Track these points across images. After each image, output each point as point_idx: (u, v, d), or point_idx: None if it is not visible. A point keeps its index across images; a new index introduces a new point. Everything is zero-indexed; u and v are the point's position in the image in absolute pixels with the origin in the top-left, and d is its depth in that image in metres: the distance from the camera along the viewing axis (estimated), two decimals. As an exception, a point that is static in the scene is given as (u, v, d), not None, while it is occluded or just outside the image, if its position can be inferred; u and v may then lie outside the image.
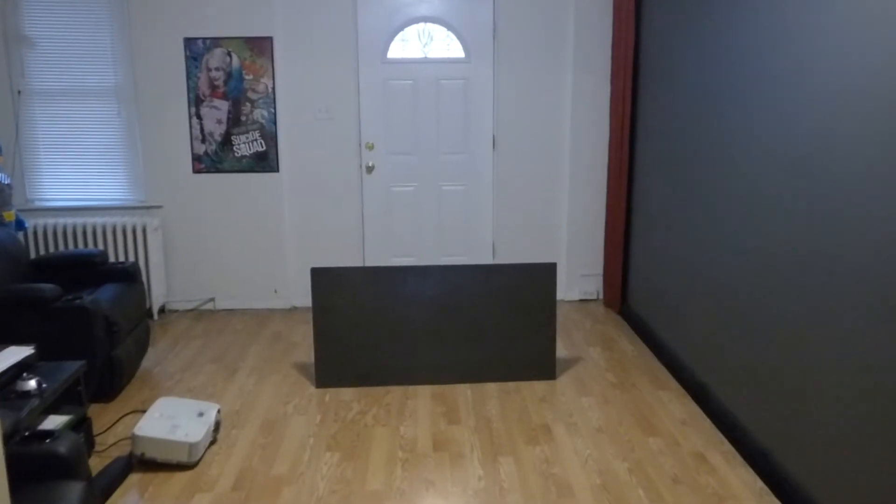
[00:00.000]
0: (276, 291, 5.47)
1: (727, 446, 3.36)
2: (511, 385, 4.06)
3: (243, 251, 5.41)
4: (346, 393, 3.96)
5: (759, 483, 3.05)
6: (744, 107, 3.34)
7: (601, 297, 5.62)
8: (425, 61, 5.32)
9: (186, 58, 5.13)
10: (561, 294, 5.63)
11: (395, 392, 3.98)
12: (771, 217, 3.06)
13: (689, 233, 4.02)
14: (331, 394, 3.95)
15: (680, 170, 4.18)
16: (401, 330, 4.03)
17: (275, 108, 5.22)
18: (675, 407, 3.77)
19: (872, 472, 2.39)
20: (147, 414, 3.32)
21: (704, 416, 3.66)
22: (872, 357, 2.38)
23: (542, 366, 4.11)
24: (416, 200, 5.52)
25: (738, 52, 3.41)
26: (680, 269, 4.17)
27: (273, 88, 5.19)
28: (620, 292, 5.33)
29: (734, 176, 3.43)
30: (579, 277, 5.60)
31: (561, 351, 4.57)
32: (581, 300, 5.64)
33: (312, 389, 4.01)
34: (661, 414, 3.69)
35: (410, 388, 4.03)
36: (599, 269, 5.59)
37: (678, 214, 4.20)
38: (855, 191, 2.47)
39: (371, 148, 5.41)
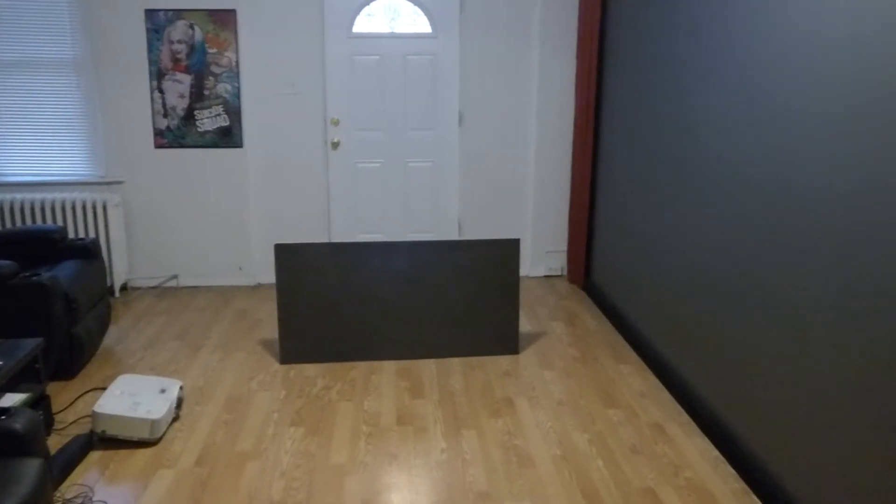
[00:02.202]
0: (240, 268, 5.44)
1: (685, 417, 3.43)
2: (475, 360, 4.10)
3: (207, 228, 5.36)
4: (311, 369, 3.97)
5: (715, 452, 3.13)
6: (707, 83, 3.37)
7: (566, 273, 5.67)
8: (392, 36, 5.28)
9: (147, 30, 5.04)
10: (526, 270, 5.67)
11: (360, 367, 3.99)
12: (731, 193, 3.11)
13: (650, 209, 4.07)
14: (295, 370, 3.95)
15: (644, 147, 4.22)
16: (366, 306, 4.04)
17: (239, 83, 5.15)
18: (635, 380, 3.83)
19: (821, 439, 2.46)
20: (107, 391, 3.29)
21: (663, 388, 3.73)
22: (823, 331, 2.44)
23: (506, 341, 4.15)
24: (383, 177, 5.51)
25: (702, 29, 3.44)
26: (642, 245, 4.22)
27: (237, 62, 5.12)
28: (584, 268, 5.39)
29: (697, 153, 3.48)
30: (544, 254, 5.64)
31: (525, 326, 4.61)
32: (546, 276, 5.69)
33: (277, 366, 4.01)
34: (622, 387, 3.75)
35: (375, 363, 4.05)
36: (564, 246, 5.63)
37: (641, 191, 4.24)
38: (812, 167, 2.51)
39: (336, 124, 5.37)
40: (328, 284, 3.99)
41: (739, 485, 2.89)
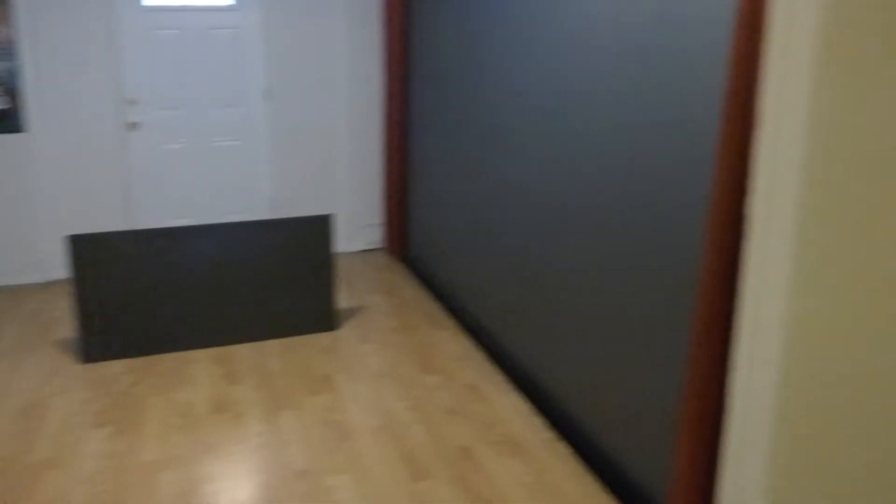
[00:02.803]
0: (32, 265, 5.00)
1: (499, 376, 3.58)
2: (294, 340, 4.04)
3: (-10, 223, 4.88)
4: (117, 365, 3.74)
5: (527, 406, 3.29)
6: (504, 56, 3.48)
7: (383, 245, 5.71)
8: (190, 9, 5.02)
9: None
10: (344, 245, 5.64)
11: (172, 359, 3.81)
12: (531, 165, 3.25)
13: (460, 180, 4.17)
14: (99, 368, 3.71)
15: (450, 117, 4.30)
16: (174, 294, 3.85)
17: (18, 60, 4.69)
18: (452, 345, 3.94)
19: (618, 390, 2.65)
20: None
21: (479, 350, 3.87)
22: (617, 296, 2.62)
23: (324, 318, 4.12)
24: (188, 158, 5.26)
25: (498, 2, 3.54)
26: (454, 215, 4.33)
27: (14, 37, 4.66)
28: (401, 240, 5.44)
29: (497, 125, 3.59)
30: (362, 228, 5.64)
31: (343, 302, 4.60)
32: (365, 250, 5.70)
33: (78, 366, 3.74)
34: (439, 352, 3.85)
35: (188, 353, 3.88)
36: (381, 219, 5.66)
37: (450, 162, 4.34)
38: (598, 144, 2.68)
39: (134, 103, 5.05)
40: (131, 274, 3.76)
41: (549, 434, 3.06)
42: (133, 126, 5.08)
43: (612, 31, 2.49)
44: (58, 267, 5.10)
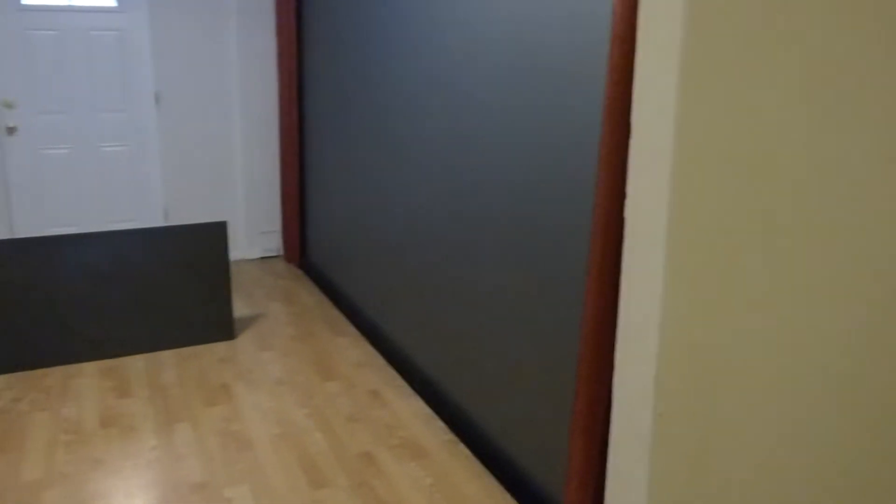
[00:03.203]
0: None
1: (400, 381, 3.60)
2: (189, 350, 3.93)
3: None
4: (-4, 381, 3.54)
5: (427, 410, 3.32)
6: (394, 62, 3.51)
7: (282, 252, 5.63)
8: (70, 10, 4.81)
9: None
10: (241, 253, 5.53)
11: (56, 373, 3.64)
12: (423, 172, 3.29)
13: (356, 186, 4.17)
14: (-24, 384, 3.50)
15: (343, 126, 4.30)
16: (58, 305, 3.67)
17: None
18: (353, 351, 3.94)
19: (515, 392, 2.72)
20: None
21: (379, 356, 3.87)
22: (511, 299, 2.69)
23: (221, 327, 4.03)
24: (73, 164, 5.03)
25: (391, 3, 3.56)
26: (352, 221, 4.32)
27: None
28: (300, 247, 5.39)
29: (389, 132, 3.62)
30: (259, 235, 5.55)
31: (241, 310, 4.51)
32: (263, 258, 5.60)
33: (-48, 383, 3.52)
34: (339, 359, 3.83)
35: (74, 366, 3.72)
36: (279, 226, 5.58)
37: (345, 169, 4.33)
38: (489, 152, 2.74)
39: (10, 106, 4.79)
40: (9, 285, 3.57)
41: (449, 436, 3.10)
42: (10, 130, 4.83)
43: (501, 42, 2.56)
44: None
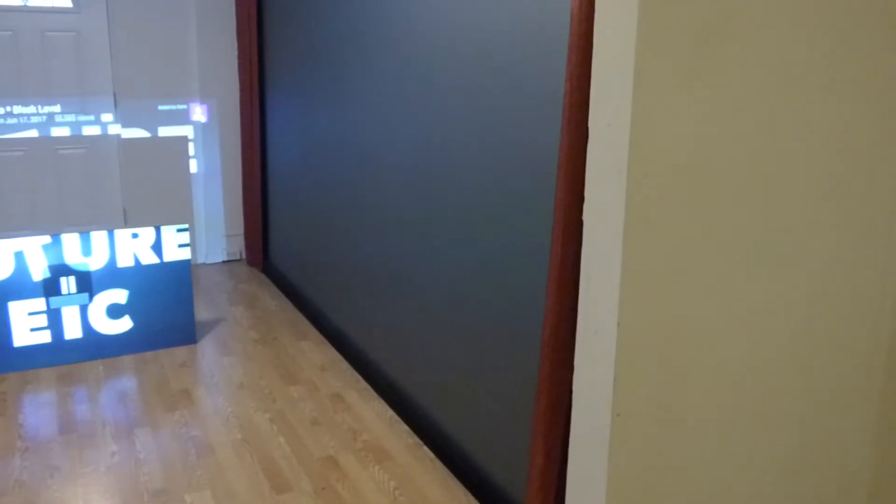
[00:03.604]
0: None
1: (363, 384, 3.59)
2: (149, 355, 3.88)
3: None
4: (-51, 388, 3.46)
5: (390, 412, 3.32)
6: (360, 59, 3.52)
7: (244, 256, 5.59)
8: (24, 10, 4.72)
9: None
10: (205, 257, 5.48)
11: (12, 379, 3.57)
12: (387, 176, 3.30)
13: (318, 190, 4.17)
14: (-72, 392, 3.42)
15: (306, 128, 4.29)
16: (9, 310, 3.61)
17: None
18: (316, 355, 3.92)
19: (478, 394, 2.74)
20: None
21: (343, 359, 3.87)
22: (472, 302, 2.71)
23: (182, 331, 3.99)
24: (29, 166, 4.93)
25: (352, 6, 3.57)
26: (314, 224, 4.31)
27: None
28: (263, 251, 5.35)
29: (351, 136, 3.62)
30: (222, 239, 5.50)
31: (203, 314, 4.47)
32: (226, 262, 5.56)
33: None
34: (302, 363, 3.82)
35: (31, 372, 3.65)
36: (242, 230, 5.54)
37: (308, 171, 4.32)
38: (450, 157, 2.76)
39: (-37, 107, 4.69)
40: (-37, 290, 3.49)
41: (413, 439, 3.11)
42: (-35, 131, 4.72)
43: (466, 49, 2.58)
44: None
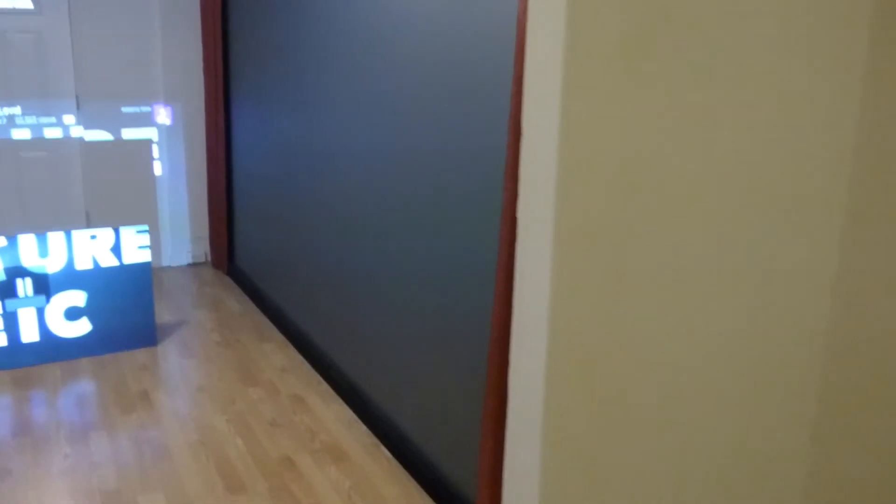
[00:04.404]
0: None
1: (324, 386, 3.59)
2: (109, 358, 3.85)
3: None
4: None
5: (350, 413, 3.33)
6: (322, 62, 3.53)
7: (210, 259, 5.56)
8: (-16, 9, 4.67)
9: None
10: (168, 260, 5.44)
11: (-33, 383, 3.53)
12: (347, 181, 3.31)
13: (281, 193, 4.16)
14: None
15: (270, 132, 4.28)
16: (-32, 313, 3.56)
17: None
18: (278, 356, 3.92)
19: (433, 395, 2.75)
20: None
21: (305, 361, 3.86)
22: (426, 306, 2.73)
23: (142, 334, 3.96)
24: (-12, 168, 4.88)
25: (312, 5, 3.58)
26: (278, 228, 4.30)
27: None
28: (227, 253, 5.33)
29: (314, 141, 3.62)
30: (187, 241, 5.47)
31: (165, 317, 4.44)
32: (191, 264, 5.52)
33: None
34: (264, 364, 3.81)
35: (-14, 375, 3.61)
36: (207, 232, 5.51)
37: (271, 176, 4.31)
38: (405, 161, 2.77)
39: (-79, 108, 4.63)
40: (-84, 293, 3.44)
41: (371, 440, 3.12)
42: (-76, 132, 4.66)
43: (424, 59, 2.60)
44: None
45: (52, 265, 3.68)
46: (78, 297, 3.76)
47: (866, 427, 1.69)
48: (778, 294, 1.60)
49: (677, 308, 1.49)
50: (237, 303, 4.75)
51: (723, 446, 1.63)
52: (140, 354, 3.90)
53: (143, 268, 3.90)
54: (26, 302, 3.65)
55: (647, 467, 1.51)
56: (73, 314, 3.77)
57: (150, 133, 5.24)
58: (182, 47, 5.14)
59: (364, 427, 3.22)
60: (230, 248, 5.33)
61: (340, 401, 3.44)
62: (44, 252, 3.65)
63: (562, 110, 1.30)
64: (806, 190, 1.60)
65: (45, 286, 3.68)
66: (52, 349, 3.75)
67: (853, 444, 1.65)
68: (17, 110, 4.87)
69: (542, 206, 1.36)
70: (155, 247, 5.35)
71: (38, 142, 4.97)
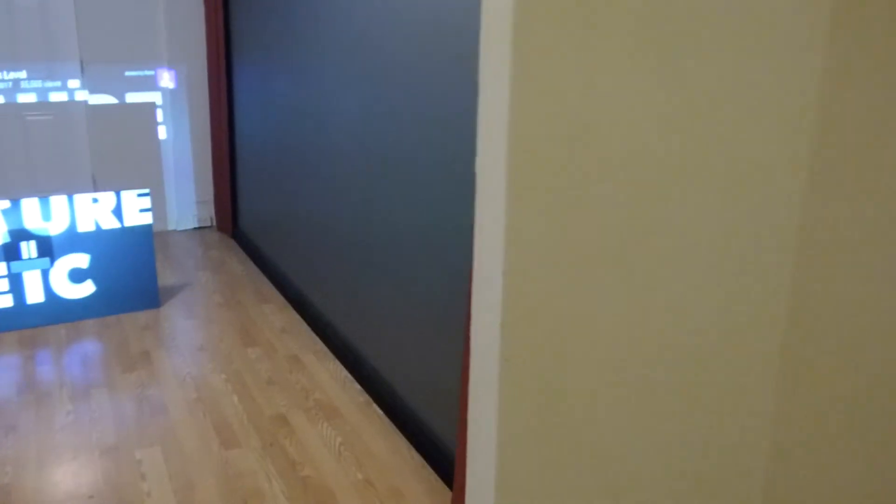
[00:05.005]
0: None
1: (321, 346, 3.66)
2: (112, 319, 3.94)
3: None
4: (-89, 351, 3.52)
5: (344, 372, 3.39)
6: (317, 40, 3.53)
7: (215, 223, 5.62)
8: (-13, -27, 4.70)
9: None
10: (174, 224, 5.51)
11: (-25, 342, 3.63)
12: (345, 146, 3.33)
13: (280, 157, 4.19)
14: None
15: (272, 95, 4.30)
16: (-25, 274, 3.65)
17: None
18: (277, 318, 3.98)
19: (422, 353, 2.80)
20: None
21: (303, 322, 3.93)
22: (417, 268, 2.76)
23: (145, 295, 4.04)
24: (-5, 133, 4.95)
25: (302, -25, 3.57)
26: (278, 190, 4.34)
27: None
28: (231, 217, 5.39)
29: (313, 105, 3.64)
30: (193, 205, 5.53)
31: (169, 279, 4.52)
32: (197, 228, 5.59)
33: None
34: (263, 325, 3.88)
35: (-7, 335, 3.71)
36: (212, 196, 5.57)
37: (272, 139, 4.34)
38: (400, 139, 2.79)
39: (-72, 73, 4.68)
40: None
41: (364, 398, 3.18)
42: (-69, 97, 4.72)
43: (413, 21, 2.60)
44: None
45: (55, 228, 3.75)
46: (81, 260, 3.84)
47: (828, 426, 1.71)
48: (736, 287, 1.61)
49: (631, 267, 1.50)
50: (240, 265, 4.81)
51: (679, 395, 1.65)
52: (143, 316, 3.99)
53: (145, 230, 3.97)
54: (31, 264, 3.73)
55: (607, 417, 1.53)
56: (77, 276, 3.85)
57: (153, 97, 5.27)
58: (185, 11, 5.14)
59: (357, 386, 3.28)
60: (234, 212, 5.39)
61: (336, 360, 3.51)
62: (47, 215, 3.72)
63: (513, 59, 1.30)
64: (766, 185, 1.60)
65: (48, 248, 3.76)
66: (56, 310, 3.84)
67: (816, 438, 1.67)
68: (22, 74, 4.92)
69: (496, 161, 1.37)
70: (161, 211, 5.41)
71: (44, 105, 5.02)
